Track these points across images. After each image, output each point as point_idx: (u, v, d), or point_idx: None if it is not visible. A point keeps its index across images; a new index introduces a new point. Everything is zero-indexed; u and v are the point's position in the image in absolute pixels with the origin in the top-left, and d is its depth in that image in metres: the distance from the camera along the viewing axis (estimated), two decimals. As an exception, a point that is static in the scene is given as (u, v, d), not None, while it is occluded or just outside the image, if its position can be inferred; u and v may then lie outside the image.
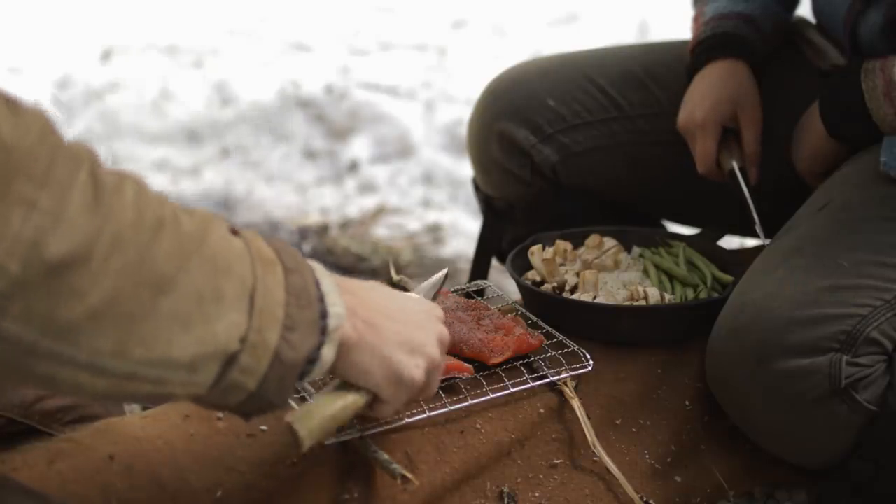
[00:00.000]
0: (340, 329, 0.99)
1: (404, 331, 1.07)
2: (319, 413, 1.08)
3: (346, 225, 3.15)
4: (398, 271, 1.70)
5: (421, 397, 1.18)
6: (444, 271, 1.40)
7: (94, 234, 0.79)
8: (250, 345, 0.89)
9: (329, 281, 0.99)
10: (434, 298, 1.33)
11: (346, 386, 1.08)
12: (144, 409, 1.44)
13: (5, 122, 0.76)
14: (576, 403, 1.40)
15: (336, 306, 0.98)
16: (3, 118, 0.76)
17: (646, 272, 1.64)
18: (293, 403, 1.27)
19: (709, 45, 1.75)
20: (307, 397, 1.29)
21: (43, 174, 0.77)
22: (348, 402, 1.08)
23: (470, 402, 1.35)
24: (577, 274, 1.61)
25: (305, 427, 1.07)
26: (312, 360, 0.97)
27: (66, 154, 0.79)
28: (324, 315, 0.96)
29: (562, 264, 1.65)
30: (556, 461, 1.39)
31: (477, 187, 2.08)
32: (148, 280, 0.82)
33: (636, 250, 1.73)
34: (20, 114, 0.77)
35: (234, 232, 0.93)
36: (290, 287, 0.93)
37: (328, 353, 0.98)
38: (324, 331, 0.97)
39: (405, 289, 1.64)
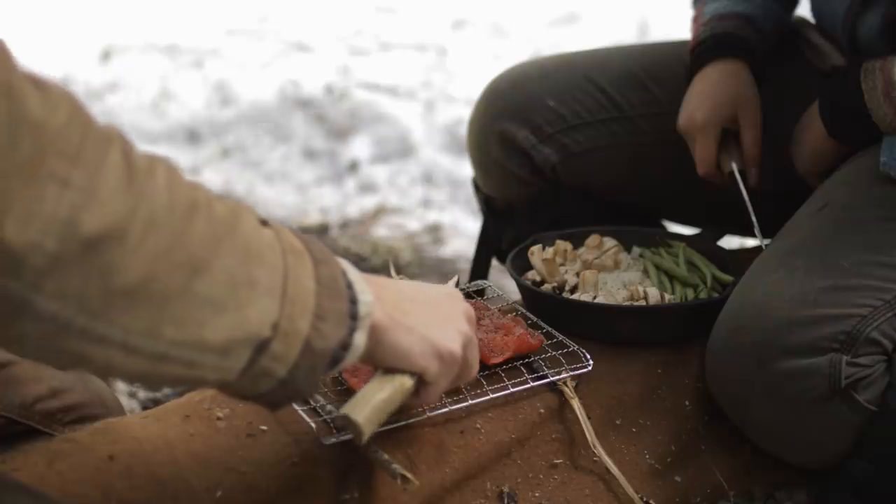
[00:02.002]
0: (371, 315, 1.00)
1: (433, 310, 1.09)
2: (372, 400, 1.08)
3: (346, 225, 3.15)
4: (398, 271, 1.70)
5: (465, 380, 1.19)
6: (456, 277, 1.44)
7: (128, 212, 0.79)
8: (282, 332, 0.90)
9: (354, 272, 1.00)
10: None
11: (391, 373, 1.09)
12: (144, 408, 1.44)
13: (34, 100, 0.76)
14: (576, 403, 1.40)
15: (365, 294, 0.99)
16: (32, 96, 0.76)
17: (646, 272, 1.64)
18: (301, 412, 1.27)
19: (708, 46, 1.75)
20: (318, 410, 1.29)
21: (75, 152, 0.77)
22: (396, 385, 1.09)
23: (470, 402, 1.35)
24: (577, 274, 1.61)
25: (362, 415, 1.08)
26: (346, 345, 0.97)
27: (97, 133, 0.79)
28: (353, 301, 0.97)
29: (562, 264, 1.65)
30: (556, 461, 1.39)
31: (477, 187, 2.08)
32: (182, 261, 0.82)
33: (636, 250, 1.73)
34: (48, 92, 0.78)
35: (264, 223, 0.93)
36: (319, 277, 0.94)
37: (360, 339, 0.99)
38: (354, 316, 0.97)
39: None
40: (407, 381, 1.10)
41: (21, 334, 0.79)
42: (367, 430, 1.08)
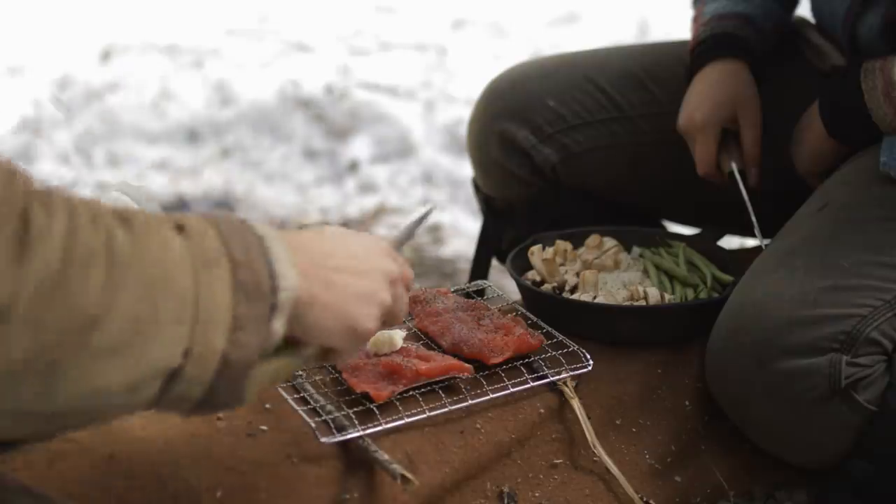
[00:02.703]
0: (292, 299, 0.95)
1: (356, 282, 1.03)
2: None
3: (346, 225, 3.15)
4: (398, 271, 1.70)
5: (394, 323, 1.13)
6: (430, 207, 1.32)
7: (16, 289, 0.75)
8: (195, 356, 0.86)
9: (280, 247, 0.94)
10: (411, 235, 1.25)
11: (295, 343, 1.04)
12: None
13: None
14: (576, 403, 1.40)
15: (288, 279, 0.94)
16: None
17: (646, 272, 1.64)
18: (301, 412, 1.27)
19: (708, 46, 1.75)
20: (318, 410, 1.29)
21: None
22: (300, 353, 1.03)
23: (470, 402, 1.35)
24: (577, 274, 1.61)
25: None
26: (265, 339, 0.93)
27: None
28: (274, 291, 0.92)
29: (562, 264, 1.65)
30: (556, 461, 1.39)
31: (477, 187, 2.08)
32: (76, 323, 0.78)
33: (636, 250, 1.73)
34: None
35: (180, 228, 0.88)
36: (237, 285, 0.89)
37: (279, 326, 0.94)
38: (275, 307, 0.92)
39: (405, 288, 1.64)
40: (310, 350, 1.04)
41: None
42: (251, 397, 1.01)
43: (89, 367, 0.79)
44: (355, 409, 1.30)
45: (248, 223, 0.94)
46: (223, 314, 0.88)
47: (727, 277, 1.62)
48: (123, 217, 0.84)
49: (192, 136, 3.69)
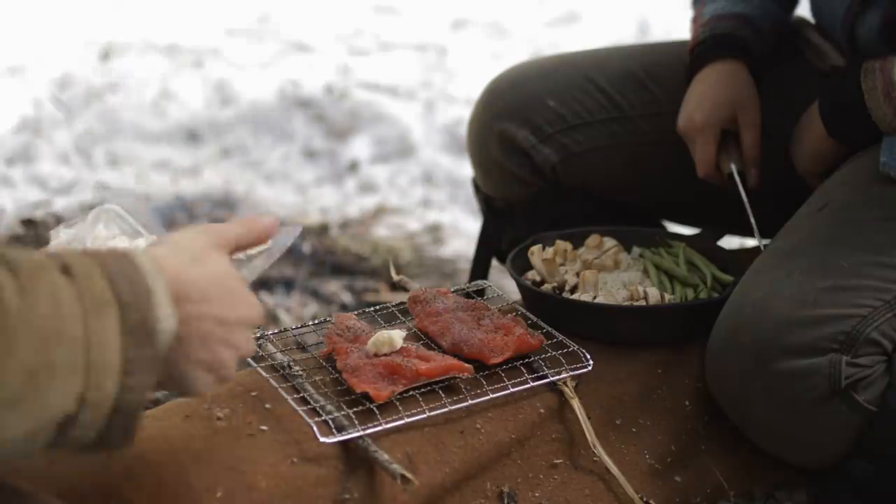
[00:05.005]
0: (168, 342, 0.95)
1: (222, 331, 1.02)
2: None
3: (346, 225, 3.15)
4: (398, 271, 1.70)
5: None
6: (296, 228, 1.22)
7: None
8: (89, 403, 0.87)
9: (160, 285, 0.93)
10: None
11: None
12: (144, 409, 1.44)
13: None
14: (576, 403, 1.40)
15: (168, 320, 0.94)
16: None
17: (646, 272, 1.64)
18: (301, 412, 1.27)
19: (707, 46, 1.75)
20: (318, 410, 1.29)
21: None
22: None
23: (470, 402, 1.35)
24: (577, 274, 1.61)
25: None
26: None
27: None
28: (157, 333, 0.93)
29: (562, 264, 1.65)
30: (556, 461, 1.39)
31: (477, 187, 2.08)
32: None
33: (636, 250, 1.73)
34: None
35: (66, 269, 0.88)
36: (126, 328, 0.89)
37: (160, 368, 0.94)
38: (157, 350, 0.93)
39: (405, 289, 1.64)
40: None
41: None
42: None
43: None
44: (355, 409, 1.30)
45: (132, 258, 0.93)
46: (114, 359, 0.88)
47: (727, 277, 1.62)
48: (8, 262, 0.84)
49: (192, 136, 3.69)
